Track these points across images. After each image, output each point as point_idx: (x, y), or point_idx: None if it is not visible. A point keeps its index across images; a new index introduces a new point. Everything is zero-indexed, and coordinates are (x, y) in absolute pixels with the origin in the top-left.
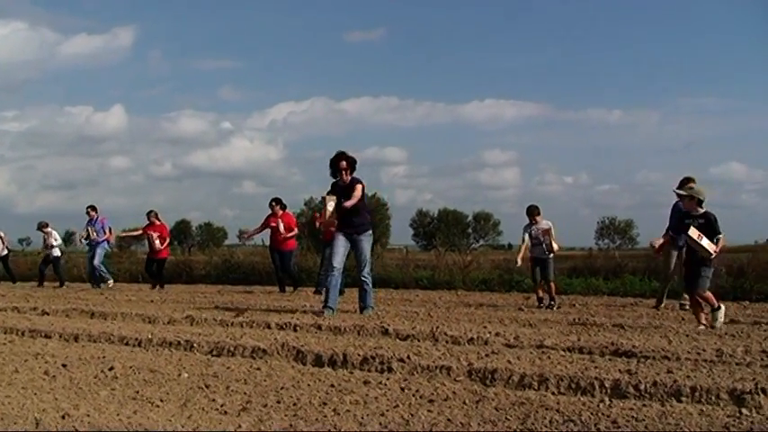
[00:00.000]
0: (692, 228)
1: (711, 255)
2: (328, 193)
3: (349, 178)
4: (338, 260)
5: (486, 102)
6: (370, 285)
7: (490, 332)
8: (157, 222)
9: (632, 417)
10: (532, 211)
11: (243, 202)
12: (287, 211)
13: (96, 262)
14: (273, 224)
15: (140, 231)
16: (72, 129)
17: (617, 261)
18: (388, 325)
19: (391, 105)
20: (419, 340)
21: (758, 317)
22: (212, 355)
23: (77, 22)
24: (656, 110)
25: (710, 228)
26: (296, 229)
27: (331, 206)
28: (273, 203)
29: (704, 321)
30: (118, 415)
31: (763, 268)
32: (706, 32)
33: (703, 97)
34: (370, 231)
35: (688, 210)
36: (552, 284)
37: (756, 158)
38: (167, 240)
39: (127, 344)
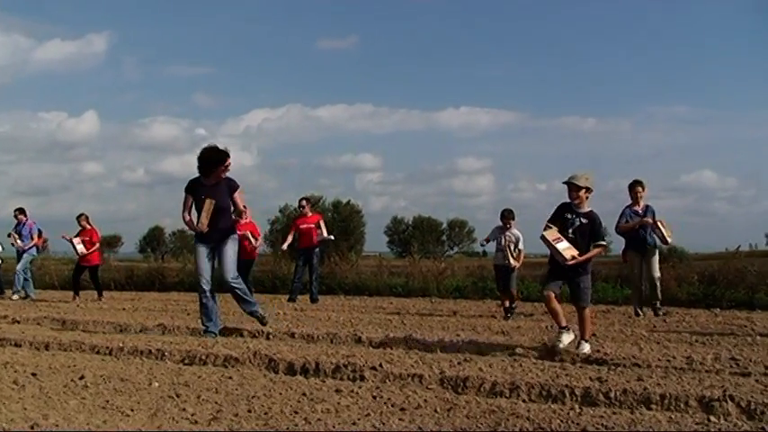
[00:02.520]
0: (548, 228)
1: (567, 262)
2: (188, 192)
3: (222, 176)
4: (207, 278)
5: (462, 109)
6: (245, 289)
7: (463, 340)
8: (88, 227)
9: (602, 424)
10: (507, 215)
11: None
12: (250, 219)
13: (18, 268)
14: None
15: (71, 237)
16: (44, 134)
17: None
18: (362, 333)
19: (366, 112)
20: (392, 348)
21: (729, 324)
22: (184, 364)
23: (51, 29)
24: (628, 118)
25: (592, 230)
26: (259, 238)
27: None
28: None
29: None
30: (87, 424)
31: (734, 276)
32: (678, 41)
33: (675, 106)
34: (235, 235)
35: (572, 202)
36: (513, 292)
37: (728, 166)
38: (96, 245)
39: (98, 352)
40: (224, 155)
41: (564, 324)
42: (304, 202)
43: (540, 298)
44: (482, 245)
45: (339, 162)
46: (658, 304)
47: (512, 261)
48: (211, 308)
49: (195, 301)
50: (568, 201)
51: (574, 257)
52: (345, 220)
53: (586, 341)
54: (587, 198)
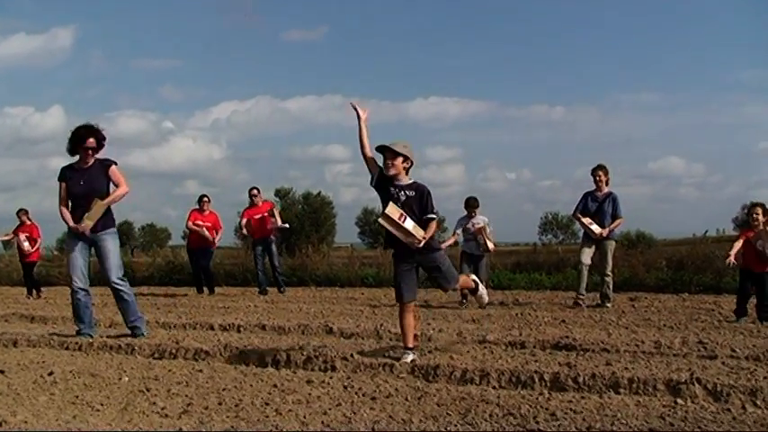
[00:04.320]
0: (391, 205)
1: (418, 242)
2: (61, 180)
3: (93, 159)
4: (80, 275)
5: (431, 99)
6: (131, 293)
7: (434, 329)
8: (28, 222)
9: (571, 409)
10: (471, 203)
11: (186, 202)
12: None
13: None
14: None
15: (11, 236)
16: (9, 130)
17: (559, 256)
18: (333, 323)
19: (336, 104)
20: (363, 338)
21: (696, 308)
22: (154, 358)
23: (15, 23)
24: (596, 106)
25: (421, 203)
26: (220, 231)
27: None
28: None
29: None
30: (57, 420)
31: (702, 261)
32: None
33: (643, 93)
34: (115, 228)
35: (392, 176)
36: (483, 281)
37: (695, 153)
38: (38, 242)
39: (67, 348)
40: (84, 131)
41: (411, 345)
42: (255, 191)
43: (509, 285)
44: (457, 243)
45: (308, 153)
46: (604, 297)
47: (489, 243)
48: (84, 308)
49: (166, 295)
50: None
51: (423, 237)
52: (316, 211)
53: (475, 289)
54: (405, 170)
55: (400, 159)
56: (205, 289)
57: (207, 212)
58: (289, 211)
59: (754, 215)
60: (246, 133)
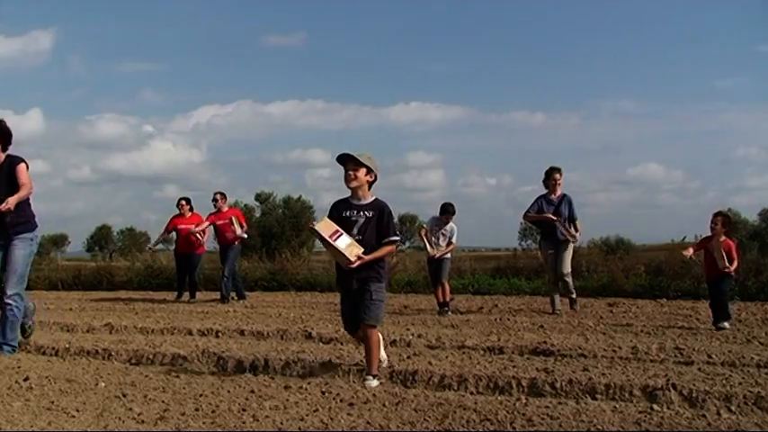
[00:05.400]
0: (325, 219)
1: (349, 263)
2: None
3: (2, 156)
4: None
5: (412, 105)
6: (19, 316)
7: (413, 334)
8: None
9: (547, 415)
10: (447, 210)
11: (165, 206)
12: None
13: None
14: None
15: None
16: None
17: (539, 261)
18: (312, 328)
19: (317, 108)
20: (342, 344)
21: (674, 314)
22: (131, 364)
23: None
24: (576, 112)
25: (380, 224)
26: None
27: None
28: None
29: None
30: (32, 426)
31: (680, 266)
32: (623, 37)
33: (621, 100)
34: (32, 235)
35: (353, 191)
36: (446, 285)
37: (673, 159)
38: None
39: (44, 353)
40: None
41: (374, 372)
42: (218, 197)
43: (489, 290)
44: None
45: (289, 158)
46: (573, 297)
47: (438, 251)
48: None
49: (145, 300)
50: (343, 198)
51: (360, 257)
52: (296, 216)
53: (373, 376)
54: (368, 184)
55: (363, 171)
56: (186, 294)
57: (188, 216)
58: (269, 216)
59: (713, 224)
60: (227, 137)
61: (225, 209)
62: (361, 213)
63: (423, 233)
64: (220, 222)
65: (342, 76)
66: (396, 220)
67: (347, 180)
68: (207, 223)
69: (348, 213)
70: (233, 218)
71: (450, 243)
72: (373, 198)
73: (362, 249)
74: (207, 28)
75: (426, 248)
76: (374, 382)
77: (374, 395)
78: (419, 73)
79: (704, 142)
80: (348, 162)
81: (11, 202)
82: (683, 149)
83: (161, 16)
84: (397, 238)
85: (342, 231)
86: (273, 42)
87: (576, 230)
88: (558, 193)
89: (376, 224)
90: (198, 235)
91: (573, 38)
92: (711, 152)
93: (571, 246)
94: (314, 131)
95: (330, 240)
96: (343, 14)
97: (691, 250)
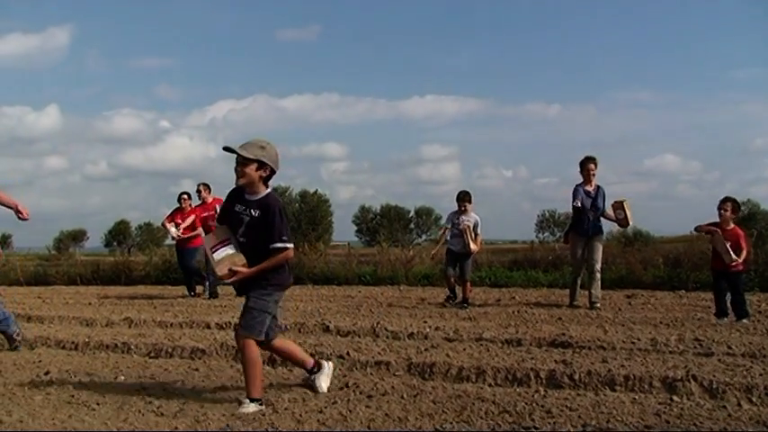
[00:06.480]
0: (217, 229)
1: (225, 278)
2: None
3: None
4: None
5: (427, 97)
6: None
7: (430, 326)
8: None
9: (566, 406)
10: (463, 198)
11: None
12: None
13: None
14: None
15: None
16: (5, 129)
17: (556, 253)
18: (330, 321)
19: (332, 102)
20: (360, 336)
21: (693, 306)
22: (150, 357)
23: (11, 23)
24: (592, 104)
25: (264, 226)
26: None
27: None
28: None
29: None
30: (53, 420)
31: (699, 258)
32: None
33: (639, 91)
34: None
35: (243, 187)
36: (468, 283)
37: (691, 150)
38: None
39: (63, 347)
40: None
41: (311, 365)
42: (201, 188)
43: (506, 283)
44: (446, 240)
45: (304, 152)
46: (598, 305)
47: (471, 245)
48: None
49: (163, 294)
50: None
51: (235, 272)
52: (313, 209)
53: (251, 399)
54: (262, 179)
55: (253, 166)
56: (198, 288)
57: (188, 210)
58: (286, 210)
59: (723, 210)
60: (243, 131)
61: (209, 199)
62: (249, 211)
63: (442, 232)
64: (205, 214)
65: (356, 70)
66: (412, 213)
67: (236, 176)
68: (192, 217)
69: (239, 208)
70: (218, 207)
71: (476, 234)
72: (265, 193)
73: (243, 260)
74: (222, 23)
75: (460, 243)
76: (249, 408)
77: (392, 387)
78: (434, 65)
79: (722, 133)
80: (237, 157)
81: None
82: (701, 140)
83: (176, 12)
84: (284, 245)
85: (229, 241)
86: (288, 36)
87: (599, 223)
88: (594, 183)
89: (262, 225)
90: (180, 232)
91: (589, 29)
92: (729, 143)
93: (603, 240)
94: (329, 125)
95: (208, 252)
96: (357, 7)
97: (702, 226)
